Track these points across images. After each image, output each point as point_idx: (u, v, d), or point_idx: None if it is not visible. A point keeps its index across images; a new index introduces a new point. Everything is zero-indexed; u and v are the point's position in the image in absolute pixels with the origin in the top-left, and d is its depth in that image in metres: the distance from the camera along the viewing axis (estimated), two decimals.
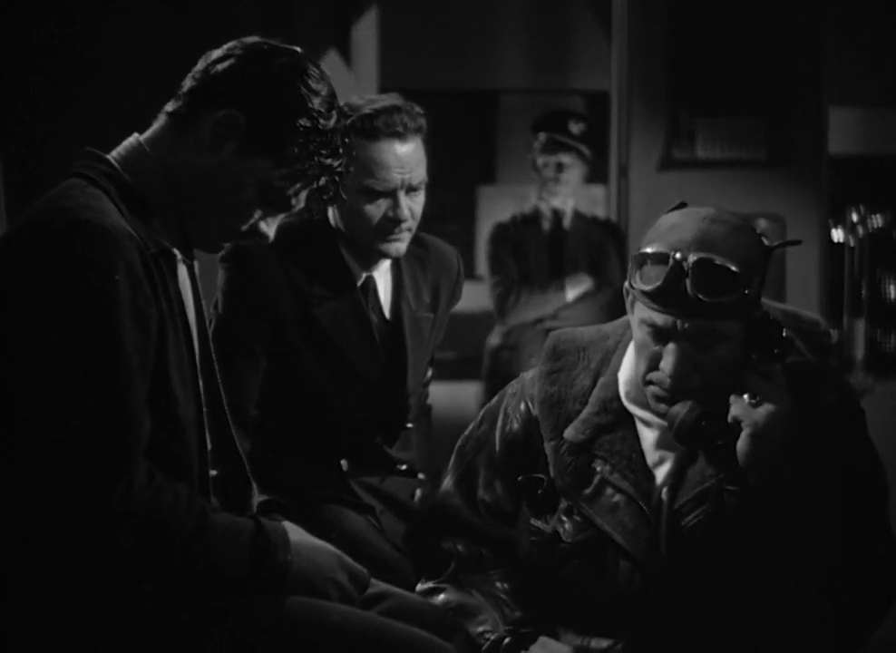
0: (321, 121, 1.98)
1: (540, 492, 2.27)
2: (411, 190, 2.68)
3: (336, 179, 2.03)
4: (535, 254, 5.17)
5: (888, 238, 5.58)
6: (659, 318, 2.10)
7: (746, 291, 2.08)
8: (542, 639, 2.24)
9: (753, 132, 5.21)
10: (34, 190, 2.00)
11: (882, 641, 2.42)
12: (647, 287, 2.09)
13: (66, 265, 1.82)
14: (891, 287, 5.59)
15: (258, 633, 1.93)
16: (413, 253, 2.84)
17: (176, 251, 2.00)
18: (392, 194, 2.66)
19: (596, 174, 5.80)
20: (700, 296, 2.05)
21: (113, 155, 1.99)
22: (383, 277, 2.79)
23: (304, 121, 1.96)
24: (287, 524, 2.01)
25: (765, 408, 2.09)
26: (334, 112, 2.00)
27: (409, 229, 2.70)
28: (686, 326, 2.08)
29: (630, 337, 2.27)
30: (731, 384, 2.12)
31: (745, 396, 2.10)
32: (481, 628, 2.24)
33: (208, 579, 1.89)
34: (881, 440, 2.27)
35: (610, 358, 2.28)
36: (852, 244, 5.51)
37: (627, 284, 2.18)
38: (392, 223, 2.67)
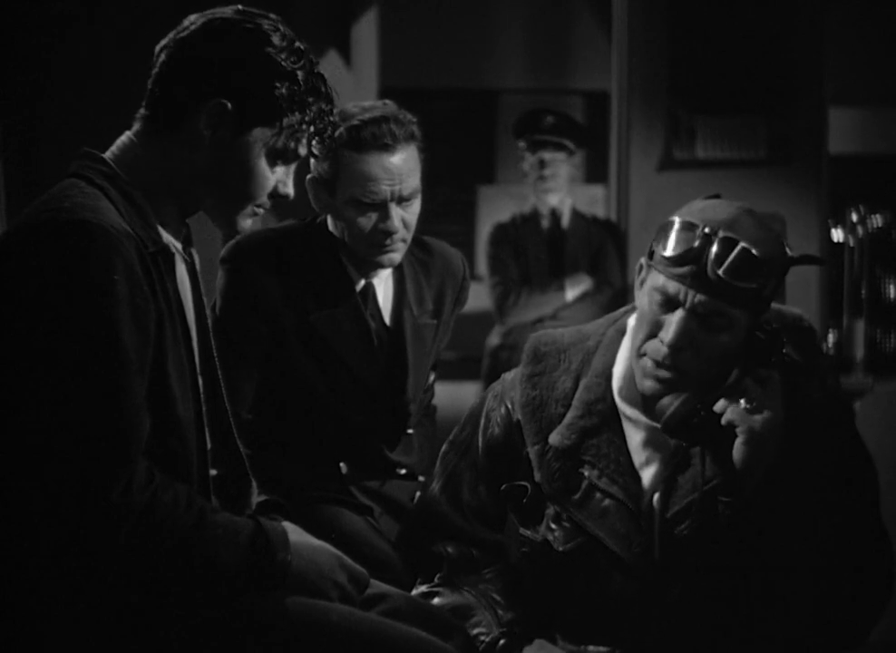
0: (298, 72, 1.99)
1: (525, 500, 2.26)
2: (402, 200, 2.65)
3: (331, 119, 2.04)
4: (534, 254, 5.18)
5: (887, 238, 5.57)
6: (672, 286, 2.08)
7: (763, 286, 2.08)
8: (539, 642, 2.23)
9: (753, 132, 5.21)
10: (33, 190, 2.00)
11: (881, 641, 2.42)
12: (670, 253, 2.09)
13: (65, 264, 1.82)
14: (891, 287, 5.58)
15: (258, 633, 1.93)
16: (418, 258, 2.82)
17: (175, 248, 2.01)
18: (382, 206, 2.64)
19: (595, 174, 5.79)
20: (720, 273, 2.05)
21: (108, 155, 2.00)
22: (383, 283, 2.78)
23: (283, 80, 1.98)
24: (287, 524, 2.01)
25: (761, 416, 2.07)
26: (303, 58, 2.01)
27: (403, 240, 2.68)
28: (697, 299, 2.07)
29: (612, 336, 2.26)
30: (722, 382, 2.10)
31: (742, 401, 2.08)
32: (475, 631, 2.24)
33: (207, 579, 1.89)
34: (880, 439, 2.28)
35: (591, 359, 2.26)
36: (851, 244, 5.50)
37: (642, 260, 2.17)
38: (383, 235, 2.65)
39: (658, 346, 2.10)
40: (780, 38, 5.16)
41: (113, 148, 2.01)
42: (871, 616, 2.18)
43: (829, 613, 2.14)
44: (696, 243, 2.07)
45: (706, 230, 2.07)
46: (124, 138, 2.02)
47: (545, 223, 5.21)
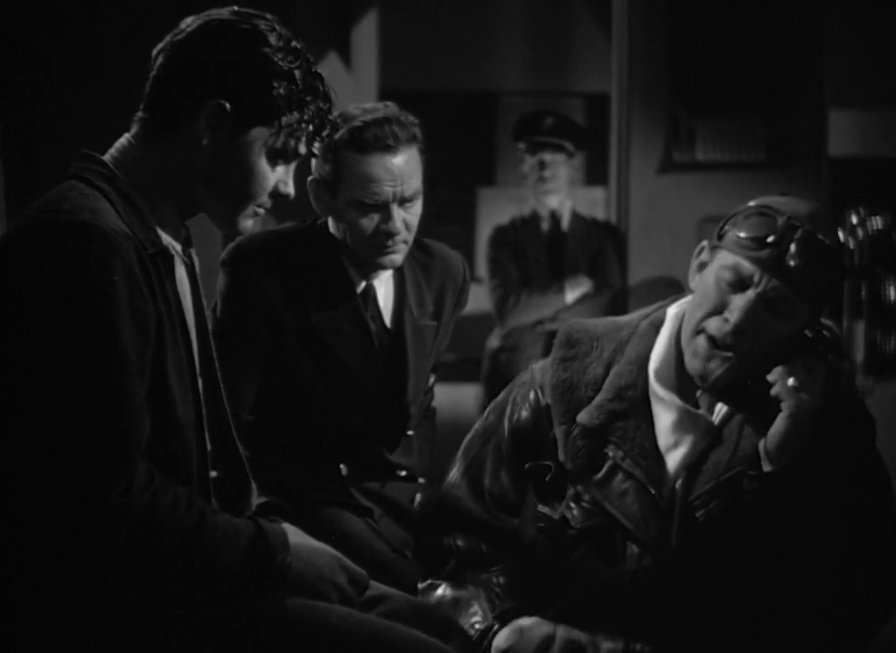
0: (295, 72, 1.99)
1: (547, 478, 2.28)
2: (404, 201, 2.65)
3: (330, 117, 2.05)
4: (534, 256, 5.18)
5: (888, 240, 5.57)
6: (746, 267, 2.14)
7: (831, 286, 2.16)
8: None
9: (753, 134, 5.21)
10: (33, 191, 2.00)
11: (882, 641, 2.43)
12: (752, 234, 2.13)
13: (64, 266, 1.82)
14: (891, 288, 5.58)
15: (258, 633, 1.93)
16: (418, 260, 2.82)
17: (174, 250, 2.01)
18: (384, 207, 2.65)
19: (595, 176, 5.79)
20: (799, 262, 2.11)
21: (107, 157, 2.00)
22: (384, 284, 2.78)
23: (281, 80, 1.98)
24: (287, 526, 2.01)
25: (807, 396, 2.11)
26: (300, 57, 2.01)
27: (404, 241, 2.69)
28: (771, 284, 2.12)
29: (645, 328, 2.30)
30: (769, 369, 2.15)
31: (790, 380, 2.12)
32: (472, 619, 2.26)
33: (207, 581, 1.89)
34: (881, 442, 2.28)
35: (623, 348, 2.30)
36: (851, 246, 5.50)
37: (704, 243, 2.22)
38: (385, 236, 2.66)
39: (721, 324, 2.15)
40: (780, 38, 5.16)
41: (112, 150, 2.02)
42: (880, 615, 2.21)
43: (839, 611, 2.17)
44: (779, 229, 2.12)
45: (790, 220, 2.12)
46: (123, 140, 2.02)
47: (545, 225, 5.21)
